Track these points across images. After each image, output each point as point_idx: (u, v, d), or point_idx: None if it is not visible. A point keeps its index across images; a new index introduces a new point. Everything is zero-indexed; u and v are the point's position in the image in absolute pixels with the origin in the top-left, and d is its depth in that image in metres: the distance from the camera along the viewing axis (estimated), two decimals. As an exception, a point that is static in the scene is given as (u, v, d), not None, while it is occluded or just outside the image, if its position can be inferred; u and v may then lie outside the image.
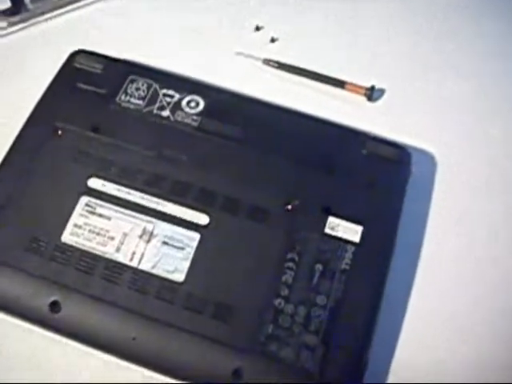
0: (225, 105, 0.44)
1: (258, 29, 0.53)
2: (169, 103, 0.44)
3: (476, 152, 0.47)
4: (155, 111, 0.43)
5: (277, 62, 0.50)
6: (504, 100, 0.49)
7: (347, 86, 0.49)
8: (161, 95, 0.44)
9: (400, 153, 0.43)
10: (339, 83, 0.49)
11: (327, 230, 0.40)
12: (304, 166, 0.42)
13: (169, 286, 0.38)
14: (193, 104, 0.44)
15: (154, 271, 0.39)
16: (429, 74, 0.50)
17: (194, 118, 0.43)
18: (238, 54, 0.50)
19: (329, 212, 0.40)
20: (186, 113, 0.43)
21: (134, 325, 0.37)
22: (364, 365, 0.37)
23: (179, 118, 0.43)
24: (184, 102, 0.44)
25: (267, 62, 0.50)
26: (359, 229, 0.40)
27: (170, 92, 0.44)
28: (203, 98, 0.44)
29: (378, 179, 0.42)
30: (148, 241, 0.39)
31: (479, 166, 0.46)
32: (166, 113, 0.43)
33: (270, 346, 0.37)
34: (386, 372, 0.40)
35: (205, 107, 0.44)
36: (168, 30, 0.51)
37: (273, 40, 0.52)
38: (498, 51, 0.52)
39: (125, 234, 0.39)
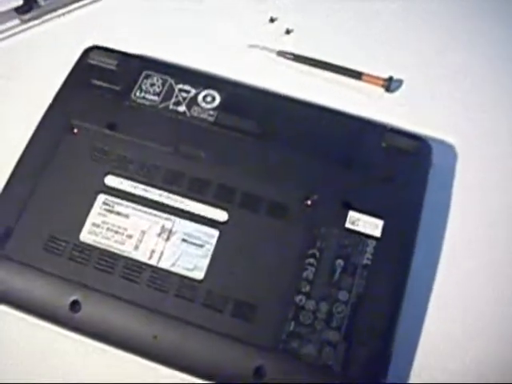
0: (241, 99, 0.43)
1: (272, 20, 0.52)
2: (184, 98, 0.43)
3: (497, 143, 0.46)
4: (171, 107, 0.43)
5: (292, 54, 0.49)
6: None
7: (364, 78, 0.48)
8: (176, 90, 0.44)
9: (420, 145, 0.42)
10: (356, 74, 0.48)
11: (348, 225, 0.39)
12: (322, 160, 0.41)
13: (188, 283, 0.38)
14: (209, 99, 0.43)
15: (174, 269, 0.38)
16: (448, 64, 0.49)
17: (211, 112, 0.43)
18: (253, 46, 0.50)
19: (349, 206, 0.40)
20: (202, 108, 0.43)
21: (154, 323, 0.37)
22: (387, 361, 0.37)
23: (195, 114, 0.43)
24: (200, 97, 0.43)
25: (282, 53, 0.49)
26: (380, 223, 0.39)
27: (186, 87, 0.44)
28: (219, 92, 0.43)
29: (398, 172, 0.41)
30: (167, 238, 0.39)
31: (501, 157, 0.45)
32: (182, 108, 0.43)
33: (291, 343, 0.37)
34: (408, 369, 0.39)
35: (221, 102, 0.43)
36: (181, 24, 0.51)
37: (288, 31, 0.51)
38: None
39: (143, 232, 0.39)
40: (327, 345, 0.37)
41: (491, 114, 0.47)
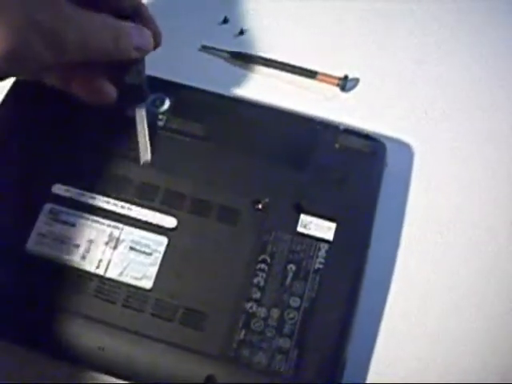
0: (191, 102, 0.43)
1: (225, 21, 0.51)
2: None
3: (453, 142, 0.45)
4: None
5: (246, 55, 0.48)
6: (482, 88, 0.48)
7: (319, 77, 0.47)
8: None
9: (374, 145, 0.41)
10: (311, 74, 0.48)
11: (299, 229, 0.38)
12: (274, 163, 0.40)
13: (137, 293, 0.37)
14: (158, 102, 0.42)
15: (122, 279, 0.37)
16: (403, 62, 0.49)
17: (160, 116, 0.42)
18: (206, 47, 0.49)
19: (301, 210, 0.39)
20: (150, 112, 0.42)
21: (101, 334, 0.36)
22: (341, 366, 0.36)
23: (144, 118, 0.42)
24: (149, 101, 0.42)
25: (236, 54, 0.48)
26: (332, 226, 0.39)
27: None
28: (169, 95, 0.42)
29: (351, 173, 0.40)
30: (115, 247, 0.38)
31: (457, 156, 0.45)
32: (130, 113, 0.42)
33: (242, 351, 0.36)
34: (365, 371, 0.38)
35: (170, 105, 0.42)
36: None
37: (242, 32, 0.50)
38: (477, 37, 0.50)
39: (90, 241, 0.38)
40: (279, 352, 0.36)
41: (448, 112, 0.46)
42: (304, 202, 0.39)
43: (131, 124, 0.40)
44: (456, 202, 0.43)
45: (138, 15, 0.38)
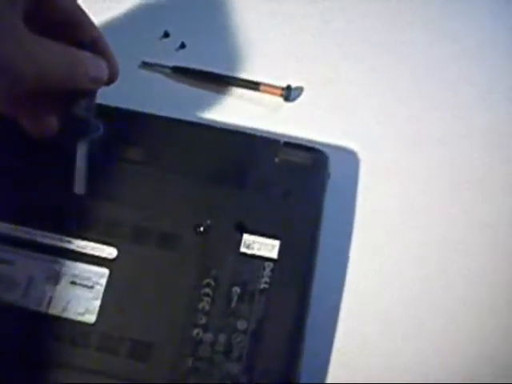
0: (126, 126, 0.41)
1: (166, 35, 0.50)
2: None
3: (399, 148, 0.45)
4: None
5: (187, 69, 0.48)
6: (427, 93, 0.47)
7: (262, 88, 0.47)
8: (59, 122, 0.41)
9: (315, 156, 0.41)
10: (253, 85, 0.47)
11: (243, 249, 0.38)
12: (214, 183, 0.40)
13: (81, 328, 0.36)
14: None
15: (65, 315, 0.37)
16: (347, 69, 0.48)
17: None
18: (146, 64, 0.48)
19: (243, 229, 0.38)
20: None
21: (47, 375, 0.35)
22: (294, 386, 0.35)
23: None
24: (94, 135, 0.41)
25: (177, 69, 0.48)
26: (276, 243, 0.38)
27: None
28: (103, 120, 0.41)
29: (293, 188, 0.40)
30: (56, 283, 0.37)
31: (403, 163, 0.44)
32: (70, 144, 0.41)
33: (191, 380, 0.35)
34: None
35: (104, 130, 0.41)
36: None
37: (183, 45, 0.49)
38: (424, 39, 0.49)
39: (31, 278, 0.37)
40: (228, 378, 0.35)
41: (393, 118, 0.46)
42: (246, 221, 0.38)
43: (69, 155, 0.39)
44: (404, 209, 0.42)
45: (96, 47, 0.37)
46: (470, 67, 0.48)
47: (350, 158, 0.44)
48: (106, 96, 0.42)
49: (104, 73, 0.37)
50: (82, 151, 0.39)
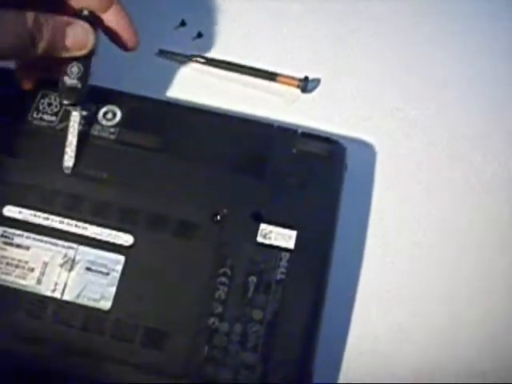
0: (144, 113, 0.41)
1: (183, 24, 0.50)
2: (84, 116, 0.41)
3: (416, 140, 0.44)
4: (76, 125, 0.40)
5: (204, 58, 0.47)
6: (444, 88, 0.47)
7: (279, 79, 0.46)
8: (75, 108, 0.41)
9: (332, 147, 0.40)
10: (271, 76, 0.47)
11: (259, 239, 0.37)
12: (231, 172, 0.39)
13: (96, 315, 0.36)
14: (109, 115, 0.41)
15: (79, 301, 0.36)
16: (364, 61, 0.47)
17: (112, 130, 0.40)
18: (163, 51, 0.48)
19: (260, 219, 0.38)
20: (102, 125, 0.41)
21: (61, 361, 0.35)
22: (309, 377, 0.35)
23: (96, 132, 0.40)
24: (100, 114, 0.41)
25: (194, 58, 0.47)
26: (293, 234, 0.38)
27: (85, 104, 0.41)
28: (120, 107, 0.41)
29: (310, 178, 0.39)
30: (70, 269, 0.37)
31: (419, 156, 0.44)
32: (81, 127, 0.40)
33: (206, 368, 0.35)
34: (335, 378, 0.38)
35: (122, 117, 0.41)
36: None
37: (199, 35, 0.49)
38: (444, 38, 0.49)
39: (45, 264, 0.37)
40: (244, 368, 0.35)
41: (410, 111, 0.45)
42: (263, 211, 0.38)
43: (82, 139, 0.39)
44: (420, 201, 0.42)
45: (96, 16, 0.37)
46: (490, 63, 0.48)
47: (367, 150, 0.44)
48: (122, 83, 0.42)
49: (84, 39, 0.37)
50: (74, 122, 0.38)
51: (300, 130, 0.41)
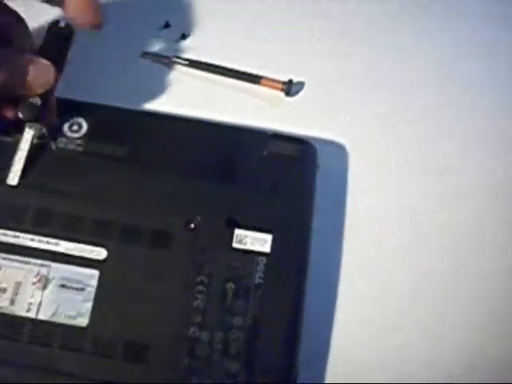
0: (110, 123, 0.41)
1: (167, 25, 0.49)
2: (49, 130, 0.40)
3: (397, 143, 0.45)
4: (35, 141, 0.39)
5: (187, 60, 0.47)
6: (424, 92, 0.47)
7: (263, 82, 0.46)
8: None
9: (303, 148, 0.40)
10: (254, 79, 0.46)
11: (235, 244, 0.37)
12: (202, 177, 0.39)
13: (73, 332, 0.35)
14: (75, 127, 0.40)
15: (55, 319, 0.36)
16: (350, 64, 0.47)
17: (78, 142, 0.40)
18: (146, 54, 0.47)
19: (234, 224, 0.38)
20: (68, 138, 0.40)
21: (41, 381, 0.34)
22: (292, 380, 0.35)
23: (62, 145, 0.40)
24: (66, 127, 0.40)
25: (177, 60, 0.47)
26: (268, 238, 0.37)
27: (50, 117, 0.40)
28: (86, 118, 0.40)
29: (282, 180, 0.39)
30: (44, 287, 0.36)
31: (399, 159, 0.44)
32: (46, 141, 0.39)
33: (189, 379, 0.34)
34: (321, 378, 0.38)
35: (88, 129, 0.40)
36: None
37: (183, 36, 0.48)
38: (423, 40, 0.49)
39: (18, 284, 0.36)
40: (227, 376, 0.35)
41: (390, 114, 0.46)
42: (237, 216, 0.38)
43: (48, 153, 0.39)
44: (393, 200, 0.42)
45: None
46: (463, 67, 0.48)
47: (343, 154, 0.43)
48: (104, 85, 0.41)
49: (46, 78, 0.36)
50: (26, 140, 0.37)
51: (270, 132, 0.41)
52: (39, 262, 0.37)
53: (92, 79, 0.44)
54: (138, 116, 0.41)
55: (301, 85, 0.47)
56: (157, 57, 0.47)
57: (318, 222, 0.39)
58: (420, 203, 0.43)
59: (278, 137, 0.40)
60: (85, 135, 0.40)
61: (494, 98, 0.47)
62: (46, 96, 0.37)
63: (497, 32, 0.50)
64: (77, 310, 0.36)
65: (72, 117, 0.41)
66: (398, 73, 0.48)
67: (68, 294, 0.36)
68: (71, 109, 0.41)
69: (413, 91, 0.47)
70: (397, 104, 0.46)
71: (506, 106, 0.47)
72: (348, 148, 0.44)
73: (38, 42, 0.38)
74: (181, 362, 0.35)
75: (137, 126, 0.41)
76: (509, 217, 0.43)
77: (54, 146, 0.39)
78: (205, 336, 0.35)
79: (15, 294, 0.36)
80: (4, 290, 0.36)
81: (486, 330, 0.39)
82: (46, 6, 0.41)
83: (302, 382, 0.36)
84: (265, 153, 0.40)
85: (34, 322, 0.35)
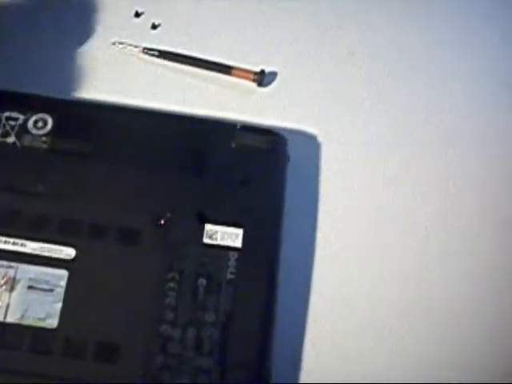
0: (76, 118, 0.40)
1: (137, 15, 0.48)
2: (13, 127, 0.39)
3: (362, 131, 0.44)
4: (-2, 139, 0.38)
5: (158, 51, 0.46)
6: (397, 82, 0.47)
7: (234, 72, 0.45)
8: (3, 119, 0.39)
9: (273, 140, 0.40)
10: (226, 69, 0.45)
11: (206, 240, 0.37)
12: (170, 172, 0.38)
13: (42, 334, 0.35)
14: (40, 124, 0.39)
15: (24, 322, 0.35)
16: (322, 55, 0.47)
17: (44, 139, 0.39)
18: (115, 43, 0.46)
19: (204, 219, 0.37)
20: (33, 135, 0.39)
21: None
22: (267, 375, 0.35)
23: (27, 143, 0.39)
24: (30, 123, 0.39)
25: (147, 50, 0.45)
26: (239, 232, 0.37)
27: (14, 114, 0.39)
28: (51, 114, 0.39)
29: (252, 173, 0.39)
30: (11, 289, 0.35)
31: (364, 145, 0.44)
32: (11, 139, 0.39)
33: (162, 378, 0.34)
34: (294, 377, 0.37)
35: (54, 125, 0.39)
36: (25, 22, 0.45)
37: (154, 26, 0.47)
38: (399, 33, 0.49)
39: (-16, 286, 0.35)
40: (201, 373, 0.34)
41: (359, 104, 0.45)
42: (207, 211, 0.37)
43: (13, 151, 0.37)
44: (364, 191, 0.42)
45: None
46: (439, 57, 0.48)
47: (318, 144, 0.43)
48: (74, 75, 0.40)
49: None
50: None
51: (239, 124, 0.40)
52: (5, 263, 0.36)
53: (60, 69, 0.43)
54: (104, 110, 0.41)
55: (273, 75, 0.46)
56: (127, 46, 0.46)
57: (289, 215, 0.39)
58: (391, 191, 0.42)
59: (246, 128, 0.40)
60: (50, 132, 0.39)
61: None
62: None
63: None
64: (46, 312, 0.35)
65: (37, 113, 0.39)
66: (371, 63, 0.47)
67: (36, 296, 0.35)
68: (35, 104, 0.40)
69: (385, 81, 0.46)
70: (369, 95, 0.45)
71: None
72: (320, 139, 0.43)
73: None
74: (153, 360, 0.34)
75: (102, 120, 0.40)
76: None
77: (18, 144, 0.38)
78: (177, 333, 0.35)
79: (-18, 296, 0.35)
80: (-30, 294, 0.35)
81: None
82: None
83: (277, 381, 0.35)
84: (233, 145, 0.39)
85: (3, 325, 0.35)
